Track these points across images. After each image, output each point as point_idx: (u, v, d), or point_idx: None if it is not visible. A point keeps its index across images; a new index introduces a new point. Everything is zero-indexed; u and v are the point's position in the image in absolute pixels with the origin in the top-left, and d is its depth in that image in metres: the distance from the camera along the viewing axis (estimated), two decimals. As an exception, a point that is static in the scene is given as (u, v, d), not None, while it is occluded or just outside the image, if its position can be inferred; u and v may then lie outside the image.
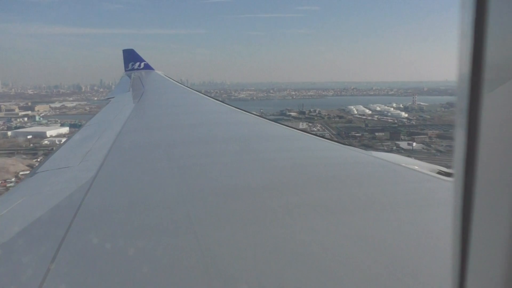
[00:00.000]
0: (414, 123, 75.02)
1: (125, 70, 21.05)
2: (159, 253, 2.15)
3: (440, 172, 3.97)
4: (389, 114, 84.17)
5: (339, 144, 5.67)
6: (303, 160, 4.57)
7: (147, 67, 21.20)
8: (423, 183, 3.47)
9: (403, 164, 4.02)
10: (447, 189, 2.84)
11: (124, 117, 7.87)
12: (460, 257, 0.72)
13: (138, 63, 21.19)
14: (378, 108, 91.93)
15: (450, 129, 67.65)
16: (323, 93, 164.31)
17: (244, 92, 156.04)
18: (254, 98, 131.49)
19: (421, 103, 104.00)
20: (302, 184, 3.47)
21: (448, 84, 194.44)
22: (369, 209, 2.80)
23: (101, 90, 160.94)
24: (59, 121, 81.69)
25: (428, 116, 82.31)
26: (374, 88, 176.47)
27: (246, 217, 2.68)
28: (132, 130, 6.72)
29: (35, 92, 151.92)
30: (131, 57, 21.51)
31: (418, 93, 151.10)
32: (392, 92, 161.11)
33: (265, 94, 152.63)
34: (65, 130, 64.79)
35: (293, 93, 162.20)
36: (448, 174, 3.78)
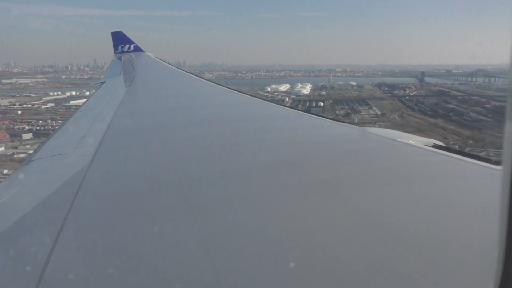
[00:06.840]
0: (292, 100, 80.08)
1: (115, 53, 20.99)
2: (168, 233, 2.19)
3: (434, 146, 4.08)
4: (292, 91, 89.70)
5: (333, 121, 5.71)
6: (301, 138, 4.63)
7: (137, 49, 21.16)
8: (419, 156, 3.62)
9: (399, 139, 4.15)
10: (442, 162, 3.37)
11: (116, 102, 8.04)
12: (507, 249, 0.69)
13: (127, 46, 21.03)
14: (298, 87, 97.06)
15: (315, 105, 72.67)
16: (292, 74, 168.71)
17: (215, 73, 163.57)
18: (213, 77, 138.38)
19: (352, 83, 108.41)
20: (304, 162, 3.54)
21: (426, 67, 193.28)
22: (371, 185, 2.88)
23: (87, 69, 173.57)
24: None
25: (324, 93, 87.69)
26: (348, 70, 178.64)
27: (250, 195, 2.76)
28: (124, 114, 6.79)
29: (19, 70, 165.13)
30: (120, 40, 21.38)
31: (388, 74, 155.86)
32: (360, 74, 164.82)
33: (234, 75, 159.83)
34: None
35: (263, 73, 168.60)
36: (442, 148, 4.00)
